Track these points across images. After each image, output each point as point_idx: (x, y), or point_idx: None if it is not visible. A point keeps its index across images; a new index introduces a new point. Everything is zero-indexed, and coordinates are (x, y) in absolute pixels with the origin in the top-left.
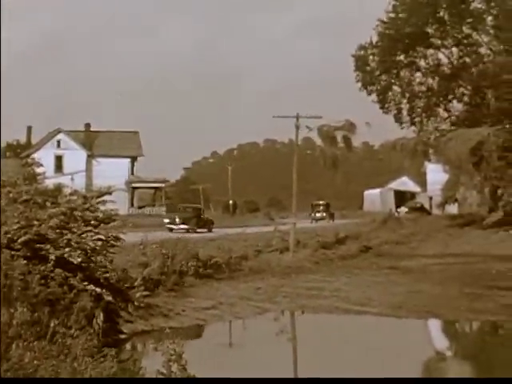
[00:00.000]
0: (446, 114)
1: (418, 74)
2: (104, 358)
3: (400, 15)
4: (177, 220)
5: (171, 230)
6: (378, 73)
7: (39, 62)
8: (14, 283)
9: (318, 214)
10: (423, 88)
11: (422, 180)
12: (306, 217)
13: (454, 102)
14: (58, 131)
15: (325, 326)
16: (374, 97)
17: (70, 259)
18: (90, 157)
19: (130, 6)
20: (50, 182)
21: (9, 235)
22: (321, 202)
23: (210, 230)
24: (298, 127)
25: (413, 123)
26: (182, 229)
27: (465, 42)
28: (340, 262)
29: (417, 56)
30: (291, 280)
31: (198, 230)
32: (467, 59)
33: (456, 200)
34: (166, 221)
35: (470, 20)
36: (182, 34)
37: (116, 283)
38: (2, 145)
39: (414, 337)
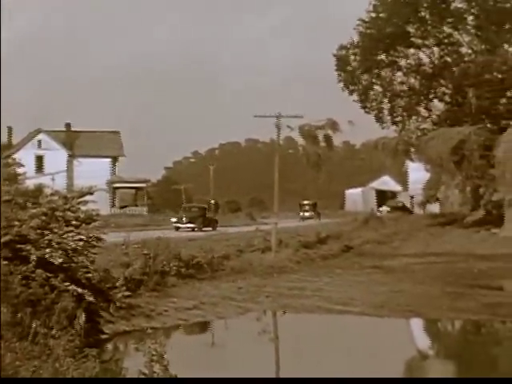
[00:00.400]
0: (427, 114)
1: (399, 74)
2: (86, 358)
3: (381, 15)
4: (184, 219)
5: (178, 228)
6: (359, 72)
7: (18, 62)
8: None
9: (306, 214)
10: (404, 87)
11: (403, 179)
12: (288, 216)
13: (436, 101)
14: (39, 131)
15: (307, 326)
16: (355, 96)
17: (52, 260)
18: (71, 157)
19: (109, 5)
20: (30, 183)
21: None
22: (308, 202)
23: (214, 229)
24: (279, 127)
25: (394, 123)
26: (189, 227)
27: (446, 41)
28: (322, 262)
29: (398, 56)
30: (273, 280)
31: (204, 229)
32: (448, 59)
33: (437, 199)
34: (173, 220)
35: (450, 19)
36: (163, 35)
37: (98, 283)
38: None
39: (397, 336)
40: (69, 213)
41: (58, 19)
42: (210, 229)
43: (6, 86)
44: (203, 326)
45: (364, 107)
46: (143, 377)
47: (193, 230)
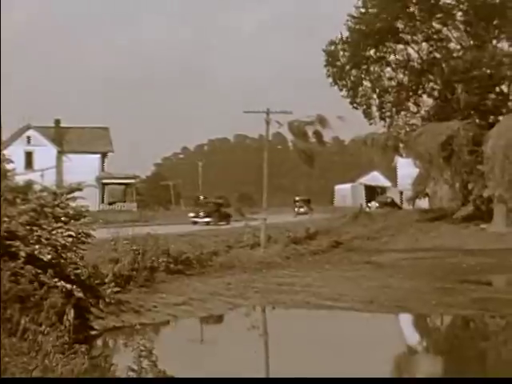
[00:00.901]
0: (416, 109)
1: (388, 69)
2: (75, 354)
3: (370, 10)
4: (201, 214)
5: (195, 223)
6: (348, 68)
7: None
8: None
9: (301, 209)
10: (393, 83)
11: (392, 175)
12: (276, 212)
13: (424, 96)
14: (28, 127)
15: (296, 322)
16: (344, 92)
17: (41, 256)
18: (60, 153)
19: (98, 2)
20: (20, 179)
21: None
22: (301, 198)
23: (228, 223)
24: (268, 122)
25: (382, 118)
26: (206, 222)
27: (435, 37)
28: (311, 258)
29: (387, 51)
30: (262, 275)
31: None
32: (437, 54)
33: (426, 194)
34: (191, 215)
35: (439, 15)
36: (151, 32)
37: (87, 279)
38: None
39: (386, 331)
40: (58, 209)
41: (48, 14)
42: (225, 223)
43: None
44: (219, 319)
45: (353, 103)
46: (132, 373)
47: (207, 223)
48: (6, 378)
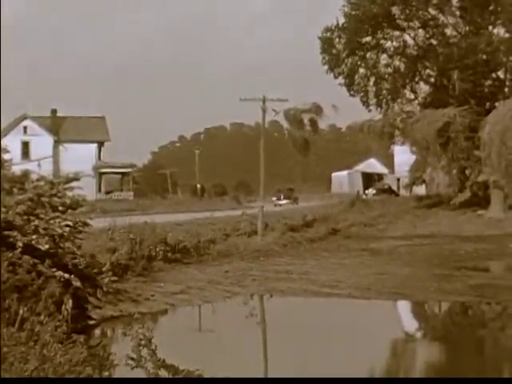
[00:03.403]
0: (412, 96)
1: (384, 56)
2: (73, 344)
3: None
4: (282, 197)
5: (277, 205)
6: (344, 55)
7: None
8: None
9: (280, 202)
10: (389, 70)
11: (389, 161)
12: (272, 201)
13: (421, 83)
14: (25, 117)
15: (294, 309)
16: (340, 80)
17: (38, 246)
18: (57, 142)
19: None
20: (16, 169)
21: None
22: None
23: (297, 203)
24: (264, 110)
25: (379, 105)
26: (285, 203)
27: (431, 23)
28: (308, 245)
29: (383, 37)
30: (260, 263)
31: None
32: (433, 41)
33: (423, 181)
34: (274, 198)
35: (435, 1)
36: (146, 19)
37: (84, 269)
38: None
39: (384, 318)
40: (55, 198)
41: (44, 5)
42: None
43: None
44: (245, 301)
45: (349, 90)
46: (131, 362)
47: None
48: (5, 378)
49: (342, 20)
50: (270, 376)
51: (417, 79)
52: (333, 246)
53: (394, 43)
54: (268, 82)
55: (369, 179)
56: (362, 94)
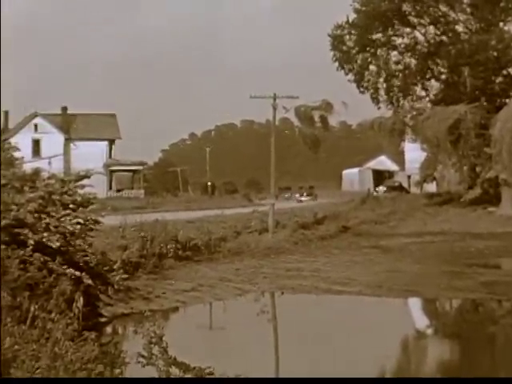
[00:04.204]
0: (423, 93)
1: (395, 53)
2: (85, 341)
3: None
4: (304, 194)
5: (300, 201)
6: (354, 52)
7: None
8: None
9: (302, 198)
10: (400, 67)
11: (400, 159)
12: (283, 198)
13: (431, 80)
14: (35, 115)
15: (305, 307)
16: (350, 77)
17: (49, 243)
18: (68, 140)
19: None
20: (27, 167)
21: None
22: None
23: (316, 199)
24: (275, 107)
25: (390, 102)
26: (307, 200)
27: (441, 20)
28: (319, 243)
29: (393, 34)
30: (270, 261)
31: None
32: (444, 38)
33: (434, 178)
34: (297, 195)
35: None
36: (158, 14)
37: (95, 267)
38: None
39: (395, 315)
40: (66, 196)
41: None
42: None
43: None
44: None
45: (359, 87)
46: (142, 360)
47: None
48: (5, 378)
49: (352, 17)
50: (280, 373)
51: (427, 76)
52: (343, 243)
53: (405, 40)
54: (279, 80)
55: (379, 176)
56: (372, 91)
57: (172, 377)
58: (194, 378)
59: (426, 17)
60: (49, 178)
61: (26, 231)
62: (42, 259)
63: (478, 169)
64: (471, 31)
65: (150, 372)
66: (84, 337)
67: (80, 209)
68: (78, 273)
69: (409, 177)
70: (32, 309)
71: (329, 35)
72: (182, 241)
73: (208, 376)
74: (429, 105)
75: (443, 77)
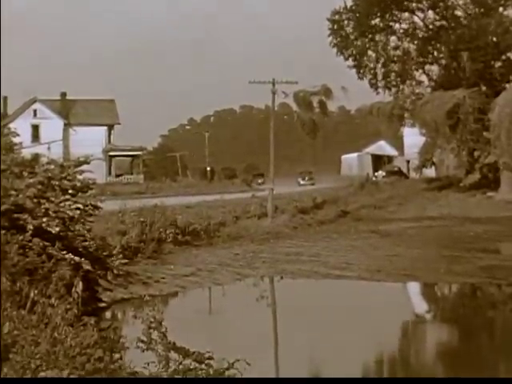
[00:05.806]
0: (421, 78)
1: (394, 38)
2: (84, 326)
3: None
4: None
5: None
6: (353, 37)
7: (15, 32)
8: None
9: (302, 181)
10: (398, 52)
11: (399, 144)
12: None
13: (430, 65)
14: (34, 100)
15: (304, 291)
16: (349, 62)
17: (48, 228)
18: (67, 126)
19: None
20: (26, 152)
21: None
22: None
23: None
24: (274, 93)
25: (388, 88)
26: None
27: (440, 4)
28: (318, 227)
29: (392, 20)
30: (270, 245)
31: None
32: (443, 22)
33: (433, 163)
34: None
35: None
36: (158, 3)
37: (95, 252)
38: None
39: (394, 300)
40: (65, 182)
41: None
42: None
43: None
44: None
45: (357, 72)
46: (141, 344)
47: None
48: (5, 378)
49: (350, 2)
50: (280, 358)
51: (426, 61)
52: (343, 228)
53: (403, 25)
54: (278, 65)
55: (378, 161)
56: (370, 77)
57: (172, 377)
58: (194, 378)
59: (424, 1)
60: (48, 163)
61: (25, 216)
62: (41, 244)
63: (476, 153)
64: (470, 16)
65: (150, 357)
66: (83, 322)
67: (79, 194)
68: (77, 258)
69: (408, 162)
70: (31, 294)
71: (327, 20)
72: (181, 226)
73: (207, 360)
74: (428, 90)
75: (442, 62)
